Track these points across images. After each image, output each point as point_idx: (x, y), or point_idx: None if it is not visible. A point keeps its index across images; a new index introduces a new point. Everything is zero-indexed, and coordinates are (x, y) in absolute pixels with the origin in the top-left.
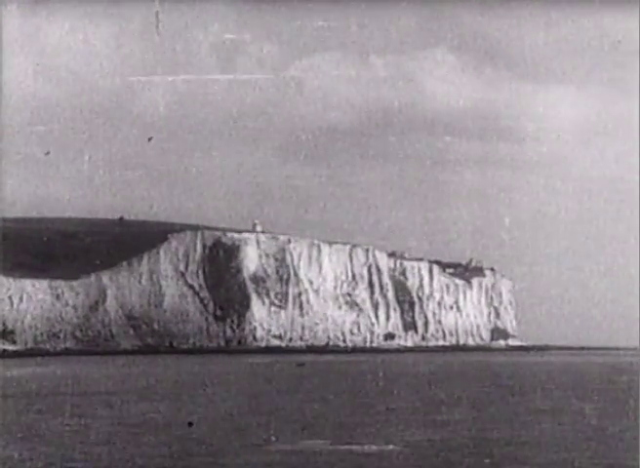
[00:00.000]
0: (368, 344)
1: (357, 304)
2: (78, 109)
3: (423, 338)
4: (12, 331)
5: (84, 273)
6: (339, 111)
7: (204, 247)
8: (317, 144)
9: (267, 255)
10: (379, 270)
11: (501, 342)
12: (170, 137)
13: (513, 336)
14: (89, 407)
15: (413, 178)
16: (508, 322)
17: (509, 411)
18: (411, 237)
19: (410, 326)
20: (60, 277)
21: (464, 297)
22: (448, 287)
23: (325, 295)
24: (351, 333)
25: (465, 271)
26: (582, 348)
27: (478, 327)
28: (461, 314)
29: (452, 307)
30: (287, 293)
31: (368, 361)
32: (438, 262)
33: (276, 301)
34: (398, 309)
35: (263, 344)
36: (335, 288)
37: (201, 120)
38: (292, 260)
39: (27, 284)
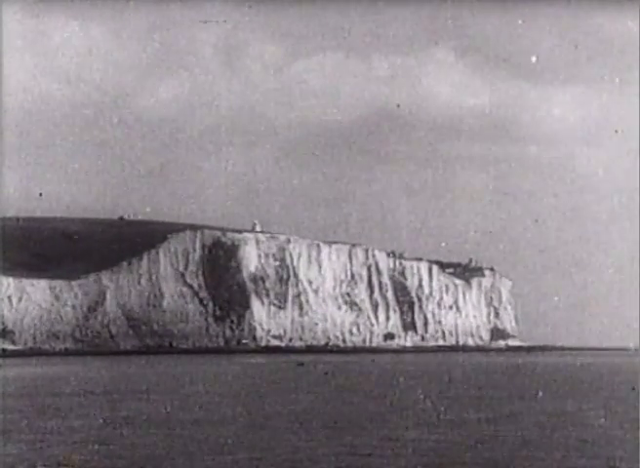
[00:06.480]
0: (367, 344)
1: (357, 304)
2: (78, 109)
3: (423, 338)
4: (11, 331)
5: (83, 273)
6: (340, 111)
7: (203, 247)
8: (317, 144)
9: (267, 255)
10: (378, 270)
11: (501, 342)
12: (170, 137)
13: (513, 337)
14: (88, 406)
15: (413, 178)
16: (508, 322)
17: (508, 412)
18: (410, 237)
19: (409, 326)
20: (60, 277)
21: (464, 297)
22: (447, 287)
23: (324, 295)
24: (351, 334)
25: (465, 271)
26: (582, 348)
27: (478, 327)
28: (461, 314)
29: (451, 307)
30: (286, 294)
31: (367, 361)
32: (438, 262)
33: (276, 301)
34: (397, 309)
35: (263, 344)
36: (334, 288)
37: (201, 120)
38: (291, 260)
39: (27, 284)
